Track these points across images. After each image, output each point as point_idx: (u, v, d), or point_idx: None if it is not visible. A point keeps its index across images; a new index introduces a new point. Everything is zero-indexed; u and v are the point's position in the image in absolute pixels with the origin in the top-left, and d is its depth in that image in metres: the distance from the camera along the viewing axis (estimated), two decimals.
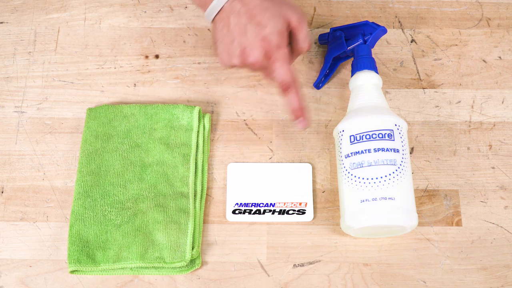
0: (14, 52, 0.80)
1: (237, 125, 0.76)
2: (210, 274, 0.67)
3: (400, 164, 0.65)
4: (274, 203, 0.71)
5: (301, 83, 0.78)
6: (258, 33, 0.64)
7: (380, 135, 0.65)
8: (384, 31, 0.74)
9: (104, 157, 0.71)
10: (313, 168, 0.73)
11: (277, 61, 0.66)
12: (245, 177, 0.72)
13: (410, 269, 0.67)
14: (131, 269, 0.67)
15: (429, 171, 0.72)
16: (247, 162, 0.73)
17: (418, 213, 0.68)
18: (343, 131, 0.68)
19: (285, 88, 0.67)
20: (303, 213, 0.70)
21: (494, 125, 0.75)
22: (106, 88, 0.78)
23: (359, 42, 0.74)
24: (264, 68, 0.68)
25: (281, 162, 0.73)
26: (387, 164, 0.64)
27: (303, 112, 0.68)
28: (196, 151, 0.73)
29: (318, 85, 0.77)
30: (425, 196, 0.71)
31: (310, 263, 0.68)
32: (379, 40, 0.78)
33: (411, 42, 0.80)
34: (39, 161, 0.73)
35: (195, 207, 0.69)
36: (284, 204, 0.70)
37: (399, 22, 0.82)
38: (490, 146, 0.74)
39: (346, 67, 0.78)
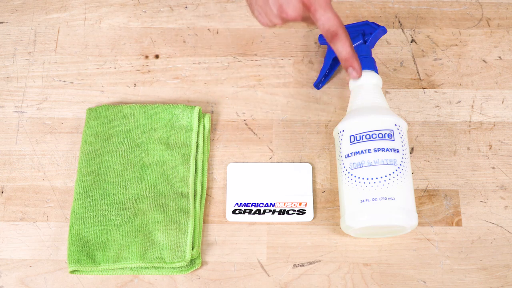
0: (14, 52, 0.80)
1: (237, 125, 0.76)
2: (210, 274, 0.67)
3: (400, 164, 0.65)
4: (274, 203, 0.71)
5: (301, 83, 0.78)
6: None
7: (380, 135, 0.65)
8: (384, 31, 0.74)
9: (104, 157, 0.71)
10: (313, 168, 0.73)
11: (318, 10, 0.61)
12: (245, 177, 0.72)
13: (410, 269, 0.67)
14: (131, 269, 0.67)
15: (429, 171, 0.72)
16: (247, 162, 0.73)
17: (418, 213, 0.68)
18: (343, 131, 0.68)
19: (332, 36, 0.62)
20: (303, 213, 0.70)
21: (494, 125, 0.75)
22: (106, 88, 0.78)
23: (359, 42, 0.74)
24: (306, 19, 0.63)
25: (281, 162, 0.73)
26: (387, 164, 0.64)
27: (354, 60, 0.63)
28: (196, 151, 0.72)
29: (318, 85, 0.77)
30: (425, 196, 0.71)
31: (310, 263, 0.68)
32: (379, 40, 0.78)
33: (411, 42, 0.80)
34: (39, 161, 0.73)
35: (195, 207, 0.69)
36: (284, 204, 0.70)
37: (399, 22, 0.82)
38: (490, 146, 0.74)
39: None
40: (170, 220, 0.68)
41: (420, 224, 0.69)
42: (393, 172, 0.64)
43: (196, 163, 0.72)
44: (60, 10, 0.83)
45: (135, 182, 0.70)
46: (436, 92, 0.77)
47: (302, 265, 0.68)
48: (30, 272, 0.68)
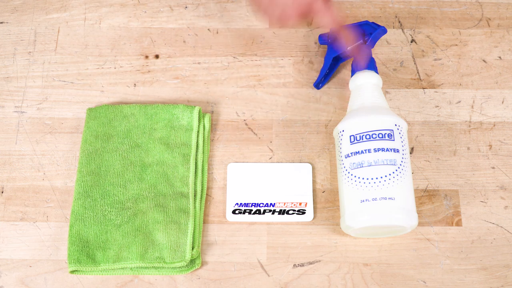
0: (14, 52, 0.80)
1: (237, 125, 0.76)
2: (210, 274, 0.67)
3: (400, 164, 0.65)
4: (274, 203, 0.70)
5: (301, 83, 0.78)
6: None
7: (380, 135, 0.65)
8: (384, 31, 0.74)
9: (104, 157, 0.71)
10: (313, 168, 0.73)
11: (317, 14, 0.66)
12: (245, 177, 0.72)
13: (410, 269, 0.67)
14: (131, 269, 0.67)
15: (429, 171, 0.72)
16: (247, 162, 0.73)
17: (418, 213, 0.68)
18: (343, 131, 0.68)
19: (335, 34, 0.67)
20: (303, 213, 0.70)
21: (494, 125, 0.75)
22: (106, 88, 0.78)
23: (359, 42, 0.74)
24: (310, 17, 0.69)
25: (281, 162, 0.73)
26: (387, 164, 0.64)
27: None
28: (196, 151, 0.73)
29: (318, 85, 0.77)
30: (425, 196, 0.71)
31: (310, 263, 0.68)
32: (379, 40, 0.78)
33: (411, 42, 0.80)
34: (39, 161, 0.73)
35: (195, 207, 0.69)
36: (284, 204, 0.70)
37: (399, 22, 0.82)
38: (490, 146, 0.74)
39: (346, 67, 0.78)
40: (170, 220, 0.68)
41: (420, 224, 0.69)
42: (393, 172, 0.64)
43: (196, 163, 0.72)
44: (60, 10, 0.83)
45: (135, 182, 0.70)
46: (436, 92, 0.77)
47: (302, 265, 0.68)
48: (30, 272, 0.68)
